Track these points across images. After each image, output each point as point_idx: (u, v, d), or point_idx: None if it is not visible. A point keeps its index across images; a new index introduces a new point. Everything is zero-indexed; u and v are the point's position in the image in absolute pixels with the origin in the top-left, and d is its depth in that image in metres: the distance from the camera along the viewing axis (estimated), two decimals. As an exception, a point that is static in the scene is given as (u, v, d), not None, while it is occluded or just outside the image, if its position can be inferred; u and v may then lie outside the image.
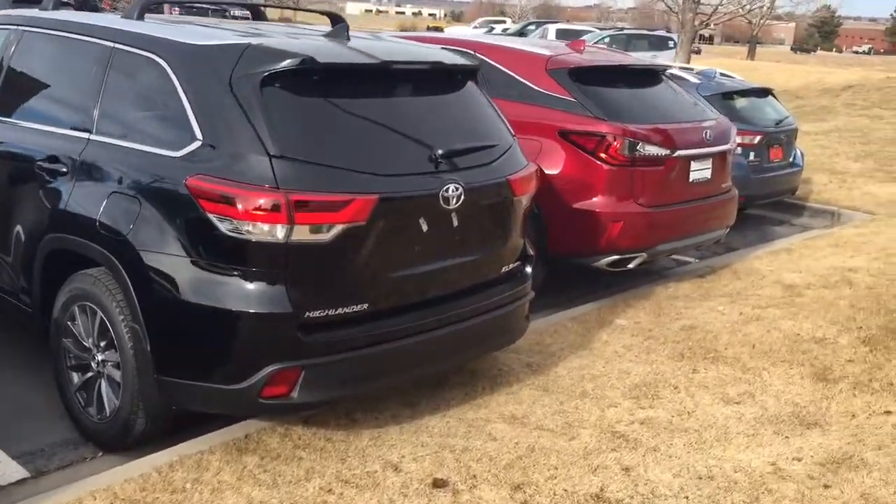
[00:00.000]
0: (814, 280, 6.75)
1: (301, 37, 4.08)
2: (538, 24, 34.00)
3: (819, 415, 4.32)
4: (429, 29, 59.75)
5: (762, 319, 5.77)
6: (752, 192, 8.76)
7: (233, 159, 3.42)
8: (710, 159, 6.39)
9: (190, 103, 3.54)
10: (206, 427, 3.95)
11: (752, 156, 8.71)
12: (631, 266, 6.09)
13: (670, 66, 6.87)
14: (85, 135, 3.93)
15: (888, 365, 4.94)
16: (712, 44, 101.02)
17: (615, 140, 5.79)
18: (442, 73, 4.15)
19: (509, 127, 4.43)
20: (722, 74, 9.92)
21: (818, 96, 20.46)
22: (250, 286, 3.40)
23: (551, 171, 5.95)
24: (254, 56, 3.56)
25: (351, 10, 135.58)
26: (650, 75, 6.73)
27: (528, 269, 4.49)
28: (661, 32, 25.85)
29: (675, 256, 7.35)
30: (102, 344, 3.77)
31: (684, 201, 6.24)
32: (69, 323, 3.90)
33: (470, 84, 4.29)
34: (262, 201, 3.32)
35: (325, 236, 3.42)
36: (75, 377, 3.95)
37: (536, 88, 6.17)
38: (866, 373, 4.84)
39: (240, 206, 3.33)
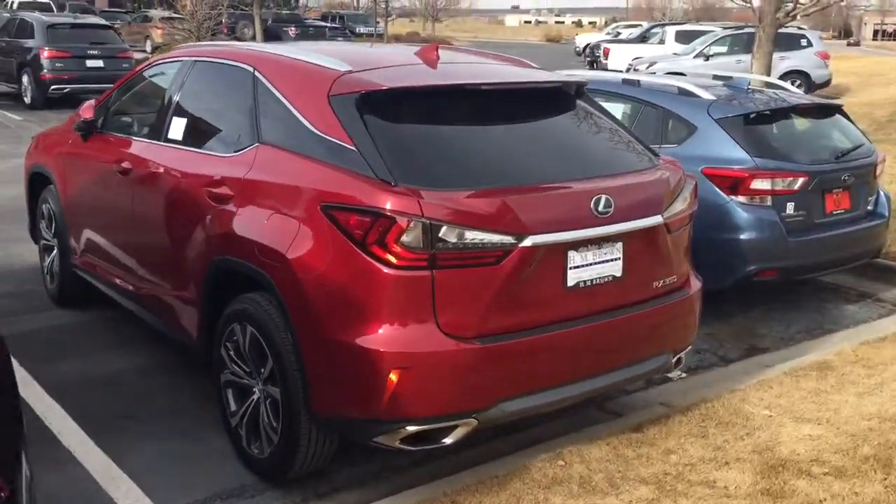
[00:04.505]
0: (830, 448, 3.86)
1: None
2: (663, 27, 30.56)
3: None
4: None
5: (669, 564, 3.02)
6: (790, 261, 5.81)
7: None
8: (617, 244, 3.65)
9: None
10: None
11: (790, 208, 5.74)
12: (448, 441, 3.44)
13: (582, 82, 4.14)
14: None
15: None
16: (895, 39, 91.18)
17: (403, 221, 3.21)
18: None
19: None
20: (770, 85, 6.93)
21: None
22: None
23: (309, 274, 3.44)
24: None
25: (510, 23, 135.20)
26: (538, 100, 4.04)
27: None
28: (793, 29, 22.13)
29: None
30: None
31: (557, 322, 3.53)
32: None
33: None
34: None
35: None
36: None
37: (310, 128, 3.67)
38: None
39: None
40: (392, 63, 4.13)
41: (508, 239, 3.33)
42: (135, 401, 4.61)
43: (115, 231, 4.99)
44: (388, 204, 3.23)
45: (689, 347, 4.23)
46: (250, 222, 3.75)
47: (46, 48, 17.17)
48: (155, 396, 4.67)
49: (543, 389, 3.53)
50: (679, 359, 4.15)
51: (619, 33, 38.11)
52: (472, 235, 3.27)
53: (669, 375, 4.68)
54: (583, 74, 6.74)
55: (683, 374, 5.06)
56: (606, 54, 26.70)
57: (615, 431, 4.12)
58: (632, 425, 4.19)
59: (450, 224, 3.23)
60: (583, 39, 43.92)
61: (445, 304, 3.28)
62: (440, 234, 3.23)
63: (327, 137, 3.57)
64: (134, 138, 4.94)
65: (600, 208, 3.53)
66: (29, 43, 17.49)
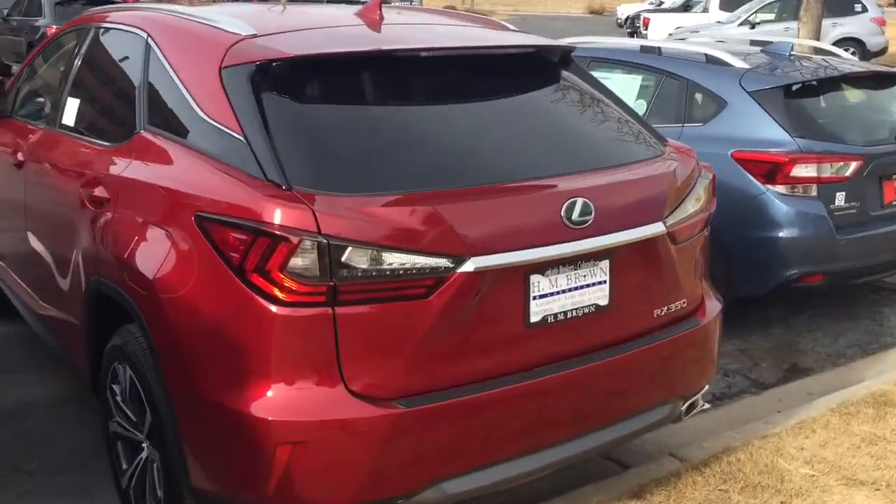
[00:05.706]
0: (890, 531, 2.92)
1: None
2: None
3: None
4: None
5: None
6: (839, 264, 4.81)
7: None
8: (601, 263, 2.71)
9: None
10: None
11: (840, 199, 4.73)
12: (365, 535, 2.57)
13: (568, 48, 3.18)
14: None
15: None
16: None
17: (292, 239, 2.32)
18: None
19: None
20: (818, 51, 5.88)
21: None
22: None
23: (179, 308, 2.57)
24: None
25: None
26: (504, 71, 3.08)
27: None
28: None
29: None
30: None
31: (517, 372, 2.61)
32: None
33: None
34: None
35: None
36: None
37: (196, 111, 2.79)
38: None
39: None
40: (313, 25, 3.21)
41: (443, 262, 2.41)
42: (31, 443, 3.80)
43: (16, 236, 4.17)
44: (271, 216, 2.33)
45: (706, 387, 3.29)
46: (121, 234, 2.89)
47: (55, 27, 16.52)
48: (57, 437, 3.86)
49: (500, 461, 2.62)
50: (692, 404, 3.22)
51: (661, 2, 36.43)
52: (391, 259, 2.37)
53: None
54: (598, 41, 5.78)
55: (707, 406, 4.11)
56: (646, 24, 25.30)
57: (610, 497, 3.20)
58: (632, 488, 3.26)
59: (357, 243, 2.33)
60: (624, 10, 42.10)
61: (354, 353, 2.39)
62: (343, 259, 2.33)
63: (214, 123, 2.69)
64: (32, 124, 4.11)
65: (575, 216, 2.59)
66: (38, 21, 16.88)
